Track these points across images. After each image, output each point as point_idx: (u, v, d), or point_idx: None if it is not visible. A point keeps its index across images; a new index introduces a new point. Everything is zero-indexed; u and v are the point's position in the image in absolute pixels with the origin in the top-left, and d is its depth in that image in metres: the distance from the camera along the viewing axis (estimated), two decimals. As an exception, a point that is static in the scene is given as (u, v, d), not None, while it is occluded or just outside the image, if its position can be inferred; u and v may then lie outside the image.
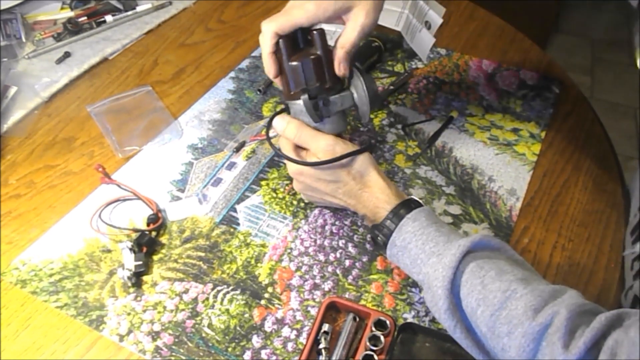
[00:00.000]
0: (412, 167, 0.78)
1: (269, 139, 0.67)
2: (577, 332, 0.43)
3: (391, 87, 0.90)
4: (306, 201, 0.73)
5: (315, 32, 0.62)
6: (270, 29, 0.61)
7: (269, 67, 0.64)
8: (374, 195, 0.62)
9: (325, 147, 0.62)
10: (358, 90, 0.63)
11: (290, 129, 0.64)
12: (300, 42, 0.64)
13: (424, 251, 0.55)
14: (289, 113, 0.66)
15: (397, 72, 0.94)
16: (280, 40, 0.62)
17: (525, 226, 0.71)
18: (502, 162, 0.78)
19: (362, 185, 0.62)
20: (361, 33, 0.62)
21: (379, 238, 0.59)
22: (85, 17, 1.03)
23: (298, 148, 0.65)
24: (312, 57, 0.62)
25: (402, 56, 0.97)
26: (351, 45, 0.62)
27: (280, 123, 0.65)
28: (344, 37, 0.62)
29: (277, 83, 0.66)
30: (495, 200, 0.74)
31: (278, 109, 0.68)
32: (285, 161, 0.65)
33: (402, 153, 0.80)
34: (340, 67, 0.62)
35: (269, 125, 0.66)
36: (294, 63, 0.62)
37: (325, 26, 0.64)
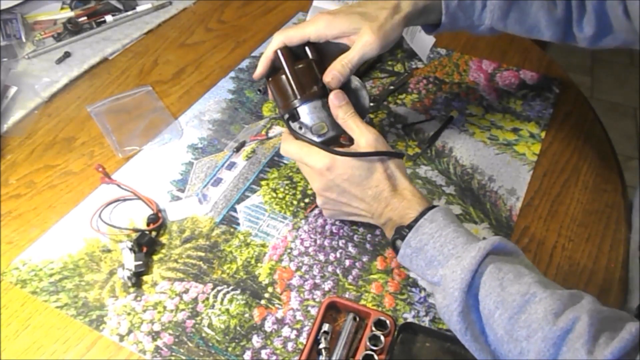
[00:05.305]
0: (412, 167, 0.78)
1: (292, 130, 0.62)
2: (600, 338, 0.43)
3: (391, 87, 0.90)
4: (325, 215, 0.69)
5: (307, 46, 0.65)
6: (279, 39, 0.65)
7: (262, 67, 0.66)
8: (405, 197, 0.59)
9: (371, 140, 0.60)
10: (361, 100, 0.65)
11: (342, 109, 0.62)
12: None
13: (442, 253, 0.54)
14: (293, 121, 0.63)
15: (397, 72, 0.94)
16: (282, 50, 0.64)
17: (526, 226, 0.71)
18: (502, 162, 0.78)
19: (393, 187, 0.60)
20: (361, 56, 0.63)
21: (398, 241, 0.58)
22: (85, 17, 1.03)
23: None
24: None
25: (402, 56, 0.97)
26: (347, 61, 0.63)
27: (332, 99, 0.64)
28: (345, 55, 0.64)
29: (271, 97, 0.67)
30: (495, 200, 0.74)
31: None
32: (311, 155, 0.61)
33: (402, 153, 0.80)
34: (328, 74, 0.63)
35: (286, 120, 0.64)
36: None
37: None
